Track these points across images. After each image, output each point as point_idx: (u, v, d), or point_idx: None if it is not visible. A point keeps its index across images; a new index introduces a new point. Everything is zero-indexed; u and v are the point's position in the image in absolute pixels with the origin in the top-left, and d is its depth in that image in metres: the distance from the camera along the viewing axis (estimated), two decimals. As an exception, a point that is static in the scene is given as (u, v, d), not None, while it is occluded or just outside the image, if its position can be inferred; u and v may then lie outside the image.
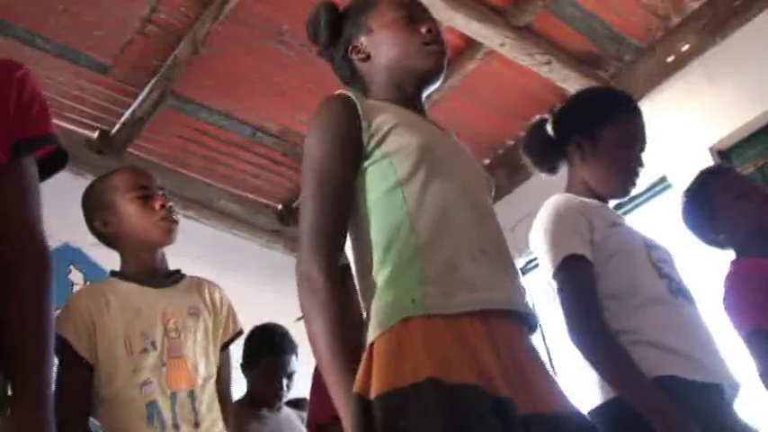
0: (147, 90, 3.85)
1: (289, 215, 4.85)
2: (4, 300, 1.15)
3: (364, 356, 1.21)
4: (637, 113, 2.01)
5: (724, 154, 3.70)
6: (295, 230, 4.83)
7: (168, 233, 2.05)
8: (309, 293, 1.27)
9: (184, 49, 3.64)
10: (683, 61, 3.89)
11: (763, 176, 3.51)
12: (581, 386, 1.72)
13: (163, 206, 2.04)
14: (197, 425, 1.87)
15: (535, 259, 4.12)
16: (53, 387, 1.15)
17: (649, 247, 1.81)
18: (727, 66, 3.71)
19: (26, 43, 3.53)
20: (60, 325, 1.83)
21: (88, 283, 3.62)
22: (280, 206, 4.87)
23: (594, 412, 1.66)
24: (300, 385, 2.99)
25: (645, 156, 1.97)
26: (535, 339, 1.36)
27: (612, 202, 1.98)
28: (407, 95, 1.52)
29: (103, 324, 1.90)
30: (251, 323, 3.06)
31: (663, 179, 3.82)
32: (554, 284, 1.76)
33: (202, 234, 4.40)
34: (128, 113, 3.97)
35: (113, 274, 2.07)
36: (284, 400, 3.02)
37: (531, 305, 1.36)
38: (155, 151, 4.26)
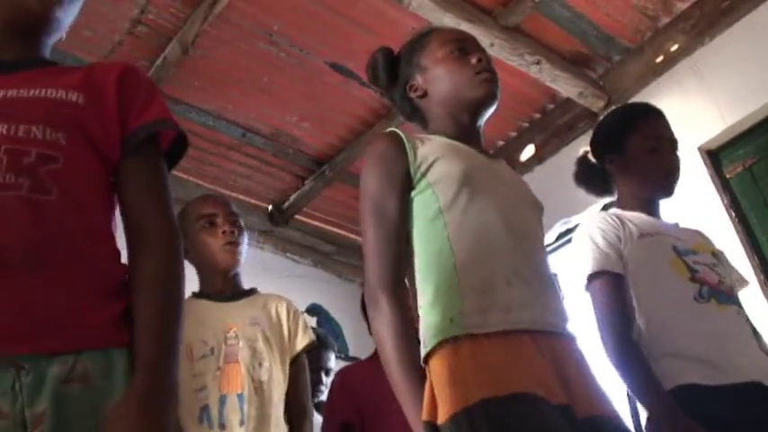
0: (136, 91, 3.84)
1: (279, 215, 4.85)
2: (134, 285, 1.18)
3: (427, 383, 1.28)
4: (656, 116, 2.12)
5: (713, 154, 3.72)
6: (285, 231, 4.85)
7: (232, 256, 2.21)
8: (378, 320, 1.37)
9: (174, 50, 3.64)
10: (671, 61, 3.91)
11: (752, 176, 3.53)
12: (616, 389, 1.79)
13: (224, 232, 2.20)
14: (241, 423, 1.98)
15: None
16: (178, 371, 1.15)
17: (682, 252, 1.86)
18: (716, 66, 3.73)
19: (14, 44, 3.51)
20: None
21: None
22: (270, 207, 4.87)
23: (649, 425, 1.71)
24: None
25: (678, 153, 2.05)
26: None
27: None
28: (463, 125, 1.61)
29: None
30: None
31: (652, 179, 3.82)
32: (587, 298, 1.85)
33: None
34: (117, 114, 3.95)
35: (193, 294, 2.20)
36: (321, 396, 3.03)
37: (569, 325, 1.41)
38: (144, 152, 4.25)
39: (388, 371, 1.33)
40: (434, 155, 1.47)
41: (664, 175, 2.01)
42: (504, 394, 1.19)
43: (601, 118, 2.18)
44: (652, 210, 2.01)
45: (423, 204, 1.44)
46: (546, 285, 1.42)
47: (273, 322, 2.19)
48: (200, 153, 4.35)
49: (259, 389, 2.05)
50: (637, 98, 3.97)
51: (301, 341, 2.22)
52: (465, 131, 1.60)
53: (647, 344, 1.74)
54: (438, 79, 1.63)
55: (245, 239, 2.27)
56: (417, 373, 1.31)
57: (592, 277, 1.82)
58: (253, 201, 4.80)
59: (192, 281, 2.21)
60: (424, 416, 1.24)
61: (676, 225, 2.06)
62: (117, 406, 1.06)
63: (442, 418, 1.21)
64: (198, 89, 3.98)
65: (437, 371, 1.27)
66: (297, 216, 4.93)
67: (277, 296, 2.30)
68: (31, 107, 1.23)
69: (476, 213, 1.41)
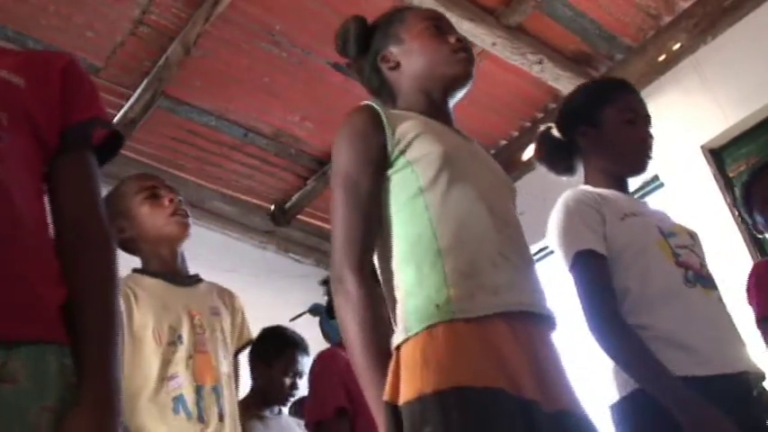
0: (138, 91, 3.85)
1: (281, 216, 4.85)
2: (71, 286, 1.14)
3: (392, 363, 1.25)
4: (632, 91, 2.05)
5: (716, 153, 3.72)
6: (288, 231, 4.84)
7: (182, 226, 2.12)
8: (343, 300, 1.33)
9: (176, 51, 3.64)
10: (674, 60, 3.90)
11: (754, 175, 3.53)
12: (603, 378, 1.73)
13: (171, 200, 2.11)
14: (221, 418, 1.92)
15: (537, 253, 4.15)
16: (121, 372, 1.13)
17: (666, 234, 1.81)
18: (719, 64, 3.72)
19: (17, 45, 3.51)
20: None
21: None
22: (272, 207, 4.86)
23: (617, 405, 1.67)
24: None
25: (652, 130, 1.98)
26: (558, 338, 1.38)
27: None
28: (435, 103, 1.57)
29: (131, 317, 1.94)
30: (266, 326, 3.06)
31: (655, 178, 3.82)
32: (570, 279, 1.77)
33: (195, 235, 4.35)
34: (119, 115, 3.96)
35: (135, 270, 2.10)
36: (294, 398, 3.02)
37: (550, 306, 1.39)
38: (147, 153, 4.26)
39: (352, 353, 1.30)
40: (414, 131, 1.42)
41: (639, 149, 1.93)
42: (478, 386, 1.17)
43: (570, 91, 2.09)
44: (623, 188, 1.93)
45: (402, 183, 1.40)
46: (530, 266, 1.41)
47: (227, 314, 2.13)
48: (202, 153, 4.35)
49: (227, 383, 2.00)
50: (639, 97, 3.98)
51: (246, 338, 2.17)
52: (437, 108, 1.56)
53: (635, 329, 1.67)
54: (414, 52, 1.59)
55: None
56: (383, 357, 1.27)
57: (577, 256, 1.73)
58: (255, 201, 4.80)
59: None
60: (386, 396, 1.22)
61: (646, 204, 2.01)
62: (73, 418, 1.03)
63: (407, 397, 1.18)
64: (200, 89, 3.98)
65: (408, 353, 1.23)
66: (299, 216, 4.93)
67: (225, 288, 2.23)
68: None
69: (458, 195, 1.37)
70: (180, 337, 1.96)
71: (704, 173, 3.60)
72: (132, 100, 3.88)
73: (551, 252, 1.86)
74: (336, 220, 1.41)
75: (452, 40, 1.58)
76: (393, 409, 1.20)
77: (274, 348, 2.99)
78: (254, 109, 4.14)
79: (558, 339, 1.38)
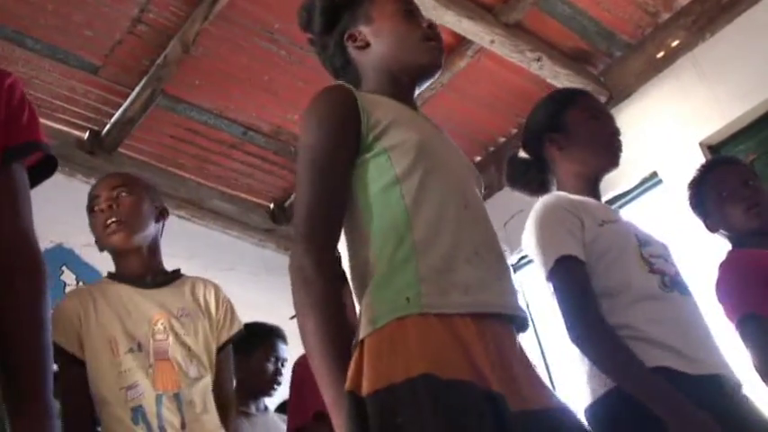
0: (137, 90, 3.84)
1: (281, 214, 4.85)
2: (9, 308, 1.15)
3: (355, 354, 1.20)
4: (589, 94, 2.10)
5: (714, 149, 3.72)
6: (287, 229, 4.84)
7: (114, 237, 2.03)
8: (302, 286, 1.25)
9: (175, 49, 3.64)
10: (672, 57, 3.91)
11: (753, 171, 3.53)
12: (577, 383, 1.73)
13: (102, 210, 2.04)
14: (183, 426, 1.86)
15: (526, 256, 4.15)
16: (52, 394, 1.13)
17: (642, 242, 1.81)
18: (717, 61, 3.73)
19: (16, 44, 3.52)
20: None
21: (81, 283, 3.61)
22: (272, 205, 4.87)
23: (591, 407, 1.66)
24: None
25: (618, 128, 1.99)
26: (527, 338, 1.37)
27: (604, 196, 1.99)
28: (402, 88, 1.52)
29: (89, 325, 1.92)
30: (243, 322, 3.06)
31: (653, 174, 3.83)
32: (549, 286, 1.76)
33: (194, 234, 4.39)
34: (118, 113, 3.96)
35: (109, 275, 2.08)
36: (279, 386, 2.99)
37: (522, 306, 1.36)
38: (146, 151, 4.26)
39: (309, 350, 1.22)
40: (388, 117, 1.37)
41: (609, 141, 1.93)
42: (449, 377, 1.12)
43: (532, 108, 2.11)
44: (596, 194, 1.93)
45: (375, 170, 1.33)
46: (501, 264, 1.36)
47: (202, 311, 2.06)
48: (202, 152, 4.35)
49: (195, 387, 1.93)
50: (638, 94, 3.99)
51: (229, 330, 2.10)
52: (403, 94, 1.50)
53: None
54: (385, 33, 1.52)
55: (141, 208, 2.08)
56: (345, 355, 1.20)
57: (558, 262, 1.71)
58: (254, 199, 4.80)
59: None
60: (348, 385, 1.15)
61: (620, 213, 1.99)
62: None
63: (374, 386, 1.12)
64: (199, 88, 3.97)
65: (374, 343, 1.18)
66: (298, 214, 4.92)
67: (204, 280, 2.15)
68: None
69: (434, 187, 1.32)
70: (139, 345, 1.91)
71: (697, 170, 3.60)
72: (131, 98, 3.88)
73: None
74: (301, 201, 1.32)
75: (425, 25, 1.54)
76: (356, 399, 1.14)
77: (251, 339, 2.98)
78: (253, 107, 4.14)
79: (526, 341, 1.35)
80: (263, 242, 4.83)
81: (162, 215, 2.16)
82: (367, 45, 1.54)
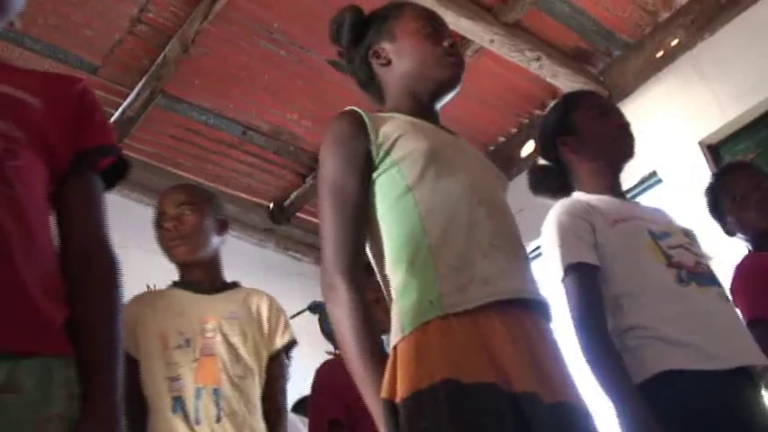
0: (137, 90, 3.85)
1: (280, 214, 4.86)
2: (75, 312, 1.18)
3: (389, 362, 1.25)
4: (593, 93, 2.14)
5: (713, 148, 3.72)
6: (287, 229, 4.84)
7: (177, 251, 2.19)
8: (335, 307, 1.33)
9: (174, 49, 3.64)
10: (672, 56, 3.91)
11: (752, 170, 3.53)
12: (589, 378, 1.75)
13: (167, 229, 2.19)
14: (218, 419, 1.96)
15: (535, 250, 4.15)
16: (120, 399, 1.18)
17: (658, 236, 1.82)
18: (717, 60, 3.73)
19: (15, 44, 3.52)
20: None
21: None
22: (271, 205, 4.87)
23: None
24: (294, 380, 2.98)
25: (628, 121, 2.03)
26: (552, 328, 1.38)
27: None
28: (422, 104, 1.57)
29: (145, 324, 2.06)
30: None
31: (653, 174, 3.83)
32: (561, 290, 1.79)
33: (194, 233, 4.39)
34: (118, 113, 3.95)
35: (174, 283, 2.23)
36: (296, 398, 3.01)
37: (543, 294, 1.39)
38: (145, 151, 4.26)
39: (348, 358, 1.30)
40: (397, 132, 1.42)
41: (619, 134, 1.97)
42: (470, 381, 1.17)
43: (541, 121, 2.17)
44: (616, 189, 1.96)
45: (389, 183, 1.39)
46: (520, 254, 1.40)
47: (253, 318, 2.17)
48: (201, 151, 4.36)
49: (236, 385, 2.03)
50: (637, 93, 3.99)
51: (281, 338, 2.19)
52: (424, 110, 1.56)
53: (629, 332, 1.69)
54: (407, 51, 1.58)
55: (203, 225, 2.22)
56: (379, 359, 1.27)
57: (569, 269, 1.75)
58: (254, 199, 4.80)
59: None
60: (383, 393, 1.22)
61: (639, 205, 2.03)
62: (81, 428, 1.09)
63: (403, 394, 1.18)
64: (198, 87, 3.98)
65: (403, 351, 1.24)
66: (298, 214, 4.93)
67: (259, 291, 2.29)
68: None
69: (445, 189, 1.37)
70: (188, 341, 2.03)
71: (702, 168, 3.61)
72: (131, 98, 3.88)
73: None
74: (325, 226, 1.40)
75: (446, 43, 1.58)
76: (391, 406, 1.20)
77: None
78: (252, 107, 4.14)
79: (555, 330, 1.37)
80: (263, 242, 4.84)
81: (223, 228, 2.30)
82: (389, 62, 1.60)
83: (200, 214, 2.21)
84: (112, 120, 3.98)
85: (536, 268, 1.46)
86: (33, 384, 1.08)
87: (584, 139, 1.96)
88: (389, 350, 1.29)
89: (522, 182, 2.12)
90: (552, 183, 2.05)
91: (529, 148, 4.44)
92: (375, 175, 1.41)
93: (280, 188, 4.78)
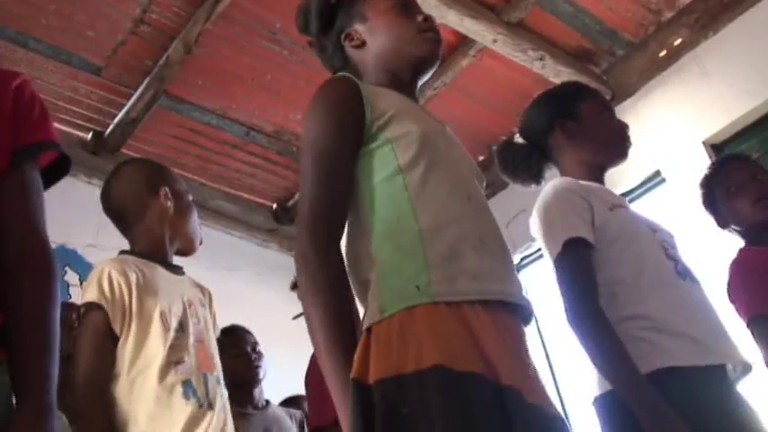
0: (140, 90, 3.85)
1: (284, 214, 4.86)
2: (9, 307, 1.15)
3: (361, 342, 1.20)
4: (601, 94, 2.11)
5: (717, 148, 3.71)
6: (290, 229, 4.84)
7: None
8: (306, 277, 1.25)
9: (177, 49, 3.64)
10: (675, 56, 3.90)
11: (756, 170, 3.52)
12: (585, 375, 1.72)
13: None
14: (223, 407, 1.92)
15: (530, 255, 4.15)
16: (55, 394, 1.14)
17: (653, 229, 1.81)
18: (720, 60, 3.72)
19: (18, 45, 3.52)
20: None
21: (84, 284, 3.60)
22: (274, 205, 4.87)
23: (601, 398, 1.65)
24: (297, 383, 2.98)
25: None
26: (529, 332, 1.36)
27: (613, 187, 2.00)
28: (402, 83, 1.52)
29: (141, 295, 1.89)
30: (246, 322, 3.05)
31: (657, 173, 3.82)
32: (554, 267, 1.74)
33: (197, 234, 4.39)
34: (121, 114, 3.96)
35: (125, 252, 2.06)
36: (262, 373, 2.98)
37: (526, 297, 1.36)
38: (149, 151, 4.25)
39: (315, 339, 1.22)
40: (392, 109, 1.37)
41: (620, 137, 1.95)
42: (460, 369, 1.11)
43: (534, 99, 2.10)
44: (601, 182, 1.92)
45: (378, 160, 1.33)
46: (506, 255, 1.36)
47: (208, 308, 2.11)
48: (205, 152, 4.36)
49: (220, 373, 1.99)
50: (641, 92, 3.98)
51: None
52: (404, 88, 1.50)
53: (629, 321, 1.64)
54: (380, 30, 1.53)
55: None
56: (350, 343, 1.20)
57: (568, 244, 1.69)
58: (257, 199, 4.80)
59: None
60: (354, 373, 1.15)
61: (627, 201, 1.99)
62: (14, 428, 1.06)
63: (381, 375, 1.12)
64: (201, 88, 3.98)
65: (382, 332, 1.18)
66: (301, 214, 4.92)
67: (198, 282, 2.19)
68: None
69: (437, 179, 1.32)
70: (181, 325, 1.92)
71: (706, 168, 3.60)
72: (134, 99, 3.88)
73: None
74: (305, 192, 1.32)
75: (420, 18, 1.53)
76: (361, 387, 1.14)
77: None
78: (255, 107, 4.14)
79: (529, 333, 1.35)
80: (266, 242, 4.84)
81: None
82: (363, 43, 1.55)
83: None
84: (116, 121, 3.99)
85: (531, 274, 1.44)
86: None
87: (586, 129, 1.93)
88: (361, 330, 1.23)
89: (522, 181, 2.10)
90: (525, 165, 2.01)
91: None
92: (366, 148, 1.35)
93: (283, 188, 4.78)
